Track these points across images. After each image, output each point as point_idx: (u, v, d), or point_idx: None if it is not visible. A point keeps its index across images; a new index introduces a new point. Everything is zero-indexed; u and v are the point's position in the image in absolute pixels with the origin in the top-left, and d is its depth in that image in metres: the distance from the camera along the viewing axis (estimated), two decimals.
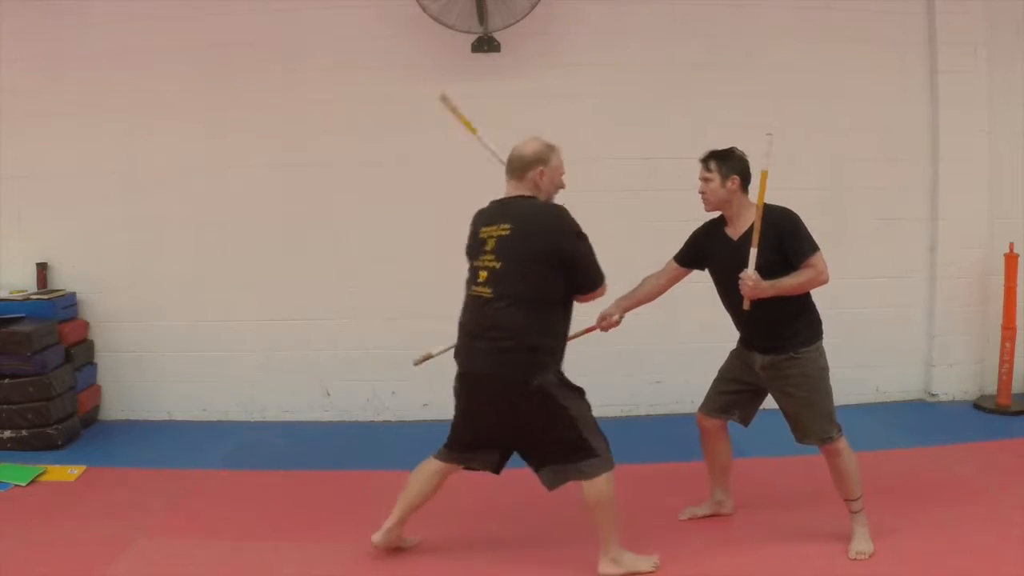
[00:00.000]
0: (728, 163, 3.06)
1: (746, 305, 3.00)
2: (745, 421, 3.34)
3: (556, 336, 2.90)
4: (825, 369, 3.05)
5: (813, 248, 2.98)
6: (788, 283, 2.95)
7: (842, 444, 3.04)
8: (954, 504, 3.43)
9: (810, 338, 3.04)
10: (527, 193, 2.92)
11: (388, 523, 3.08)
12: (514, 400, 2.83)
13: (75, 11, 4.66)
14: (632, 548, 3.03)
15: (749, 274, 2.94)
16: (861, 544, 3.04)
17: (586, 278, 2.88)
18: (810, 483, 3.59)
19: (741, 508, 3.45)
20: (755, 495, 3.59)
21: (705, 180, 3.11)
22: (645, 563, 2.96)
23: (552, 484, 2.93)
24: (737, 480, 3.65)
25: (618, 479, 3.81)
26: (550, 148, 2.94)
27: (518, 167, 2.92)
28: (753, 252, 2.94)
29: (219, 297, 4.82)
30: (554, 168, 2.93)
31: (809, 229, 3.03)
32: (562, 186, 3.01)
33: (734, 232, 3.11)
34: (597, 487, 2.86)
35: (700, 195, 3.14)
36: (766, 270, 2.94)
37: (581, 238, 2.86)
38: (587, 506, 2.90)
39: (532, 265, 2.81)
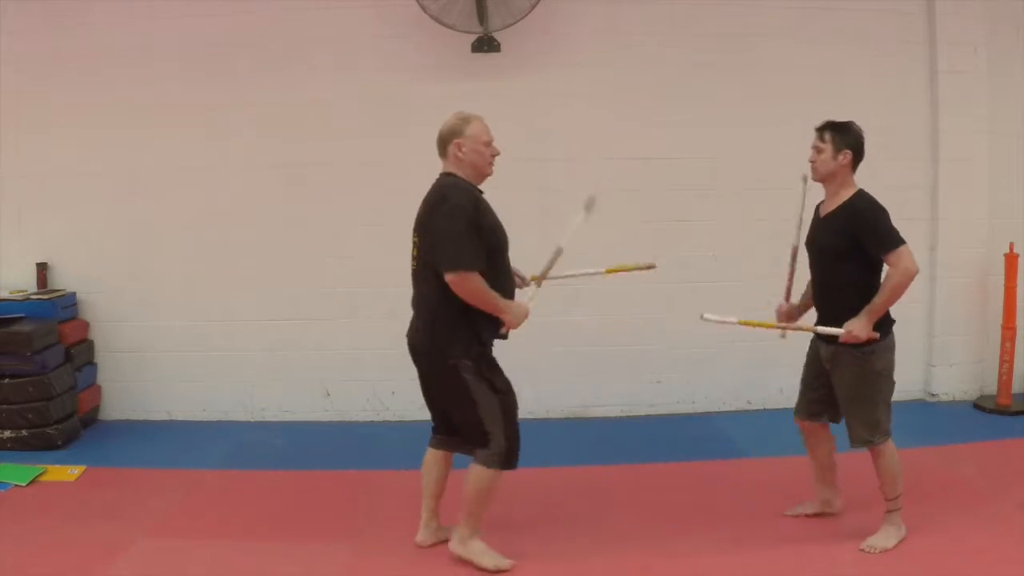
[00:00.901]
0: (844, 136, 3.01)
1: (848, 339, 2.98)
2: (835, 418, 3.25)
3: (472, 317, 2.83)
4: (882, 373, 3.01)
5: (895, 242, 2.90)
6: (881, 300, 2.90)
7: (885, 450, 3.04)
8: (954, 504, 3.42)
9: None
10: (449, 169, 2.95)
11: (422, 520, 3.16)
12: (433, 373, 2.94)
13: (75, 11, 4.66)
14: (633, 547, 3.05)
15: (850, 330, 2.92)
16: (877, 539, 3.05)
17: (437, 255, 2.78)
18: (810, 483, 3.58)
19: (741, 508, 3.45)
20: (755, 495, 3.58)
21: (817, 150, 3.05)
22: (491, 559, 2.95)
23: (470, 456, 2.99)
24: (737, 480, 3.66)
25: (618, 479, 3.84)
26: (464, 120, 2.93)
27: (439, 145, 2.95)
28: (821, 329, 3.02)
29: (219, 297, 4.81)
30: (471, 137, 2.90)
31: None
32: (493, 153, 2.95)
33: (824, 209, 3.10)
34: (478, 475, 2.91)
35: (810, 163, 3.09)
36: (833, 254, 2.97)
37: (448, 215, 2.79)
38: (465, 484, 2.94)
39: (424, 241, 2.89)
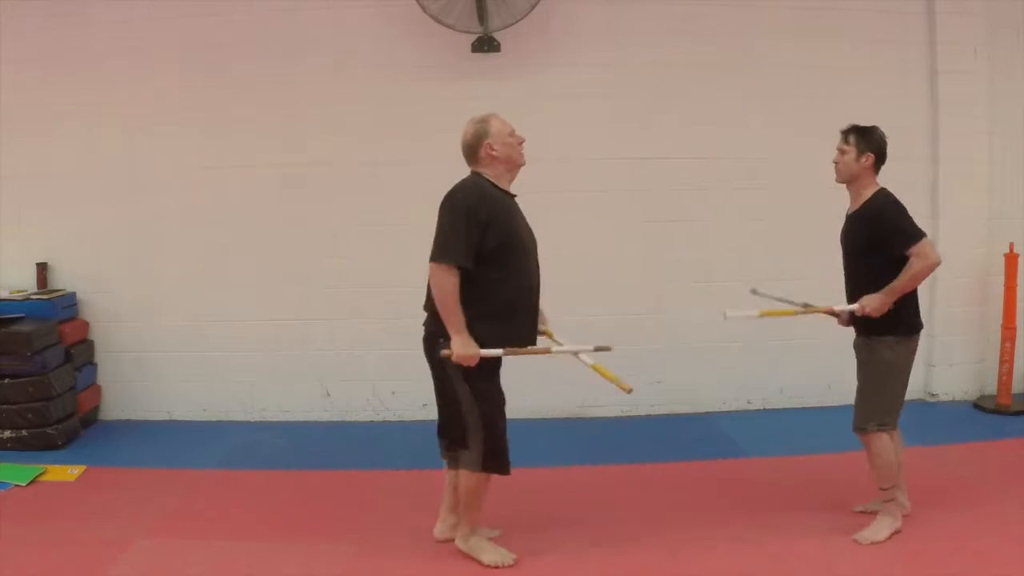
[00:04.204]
0: (867, 140, 3.10)
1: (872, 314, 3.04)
2: None
3: (473, 316, 2.80)
4: (891, 364, 3.06)
5: (915, 237, 2.98)
6: (900, 283, 2.98)
7: (875, 440, 3.07)
8: (954, 504, 3.42)
9: (885, 329, 3.05)
10: (480, 169, 2.96)
11: (440, 514, 3.21)
12: (429, 362, 2.93)
13: (75, 11, 4.66)
14: (633, 547, 3.04)
15: (864, 304, 3.00)
16: (869, 531, 3.09)
17: (434, 243, 2.82)
18: (810, 483, 3.59)
19: (741, 508, 3.45)
20: (755, 495, 3.58)
21: (841, 152, 3.14)
22: (491, 555, 2.98)
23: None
24: (737, 480, 3.65)
25: (618, 479, 3.84)
26: (483, 120, 2.96)
27: (469, 153, 2.97)
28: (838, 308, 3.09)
29: (219, 297, 4.81)
30: (497, 134, 2.93)
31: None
32: (520, 141, 2.98)
33: (851, 207, 3.17)
34: (465, 479, 2.95)
35: (833, 164, 3.17)
36: (857, 251, 3.06)
37: (448, 209, 2.85)
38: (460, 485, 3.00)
39: None
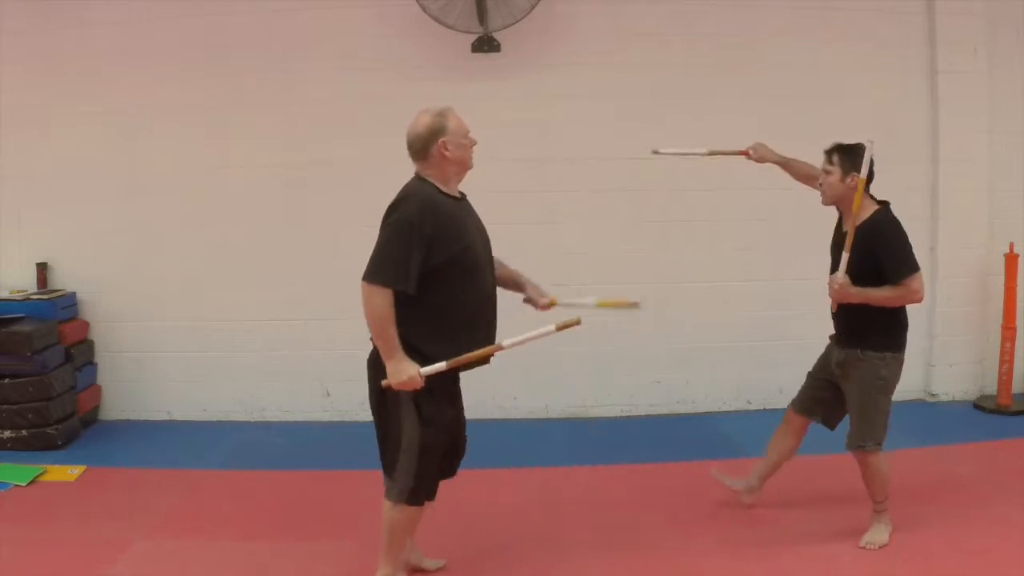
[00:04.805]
0: (851, 159, 2.99)
1: (832, 307, 3.05)
2: (829, 423, 3.31)
3: (418, 332, 2.57)
4: (886, 380, 3.04)
5: (910, 269, 2.93)
6: (877, 295, 2.93)
7: (872, 458, 3.05)
8: (954, 504, 3.43)
9: (882, 345, 3.02)
10: (427, 172, 2.69)
11: None
12: (370, 380, 2.68)
13: (75, 11, 4.66)
14: (632, 547, 3.04)
15: (837, 277, 2.96)
16: (873, 535, 3.08)
17: (369, 259, 2.56)
18: (810, 483, 3.59)
19: (741, 508, 3.45)
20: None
21: (826, 172, 3.06)
22: None
23: None
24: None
25: (618, 479, 3.84)
26: (441, 114, 2.67)
27: (419, 148, 2.67)
28: (845, 256, 2.95)
29: (219, 297, 4.81)
30: (454, 132, 2.66)
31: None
32: (472, 144, 2.74)
33: (844, 225, 3.09)
34: (387, 511, 2.71)
35: (819, 186, 3.11)
36: (857, 278, 2.94)
37: (389, 223, 2.58)
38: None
39: None
